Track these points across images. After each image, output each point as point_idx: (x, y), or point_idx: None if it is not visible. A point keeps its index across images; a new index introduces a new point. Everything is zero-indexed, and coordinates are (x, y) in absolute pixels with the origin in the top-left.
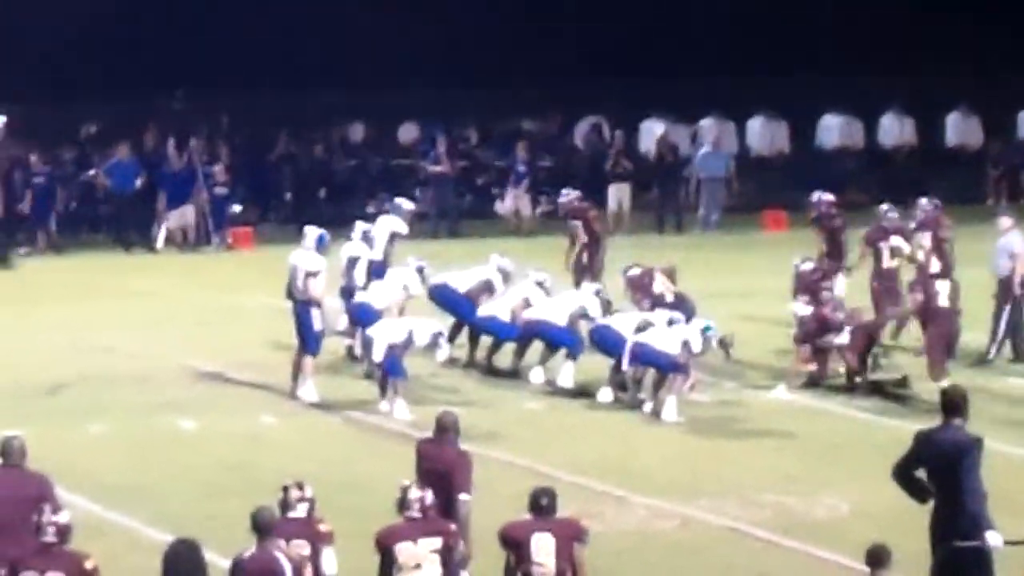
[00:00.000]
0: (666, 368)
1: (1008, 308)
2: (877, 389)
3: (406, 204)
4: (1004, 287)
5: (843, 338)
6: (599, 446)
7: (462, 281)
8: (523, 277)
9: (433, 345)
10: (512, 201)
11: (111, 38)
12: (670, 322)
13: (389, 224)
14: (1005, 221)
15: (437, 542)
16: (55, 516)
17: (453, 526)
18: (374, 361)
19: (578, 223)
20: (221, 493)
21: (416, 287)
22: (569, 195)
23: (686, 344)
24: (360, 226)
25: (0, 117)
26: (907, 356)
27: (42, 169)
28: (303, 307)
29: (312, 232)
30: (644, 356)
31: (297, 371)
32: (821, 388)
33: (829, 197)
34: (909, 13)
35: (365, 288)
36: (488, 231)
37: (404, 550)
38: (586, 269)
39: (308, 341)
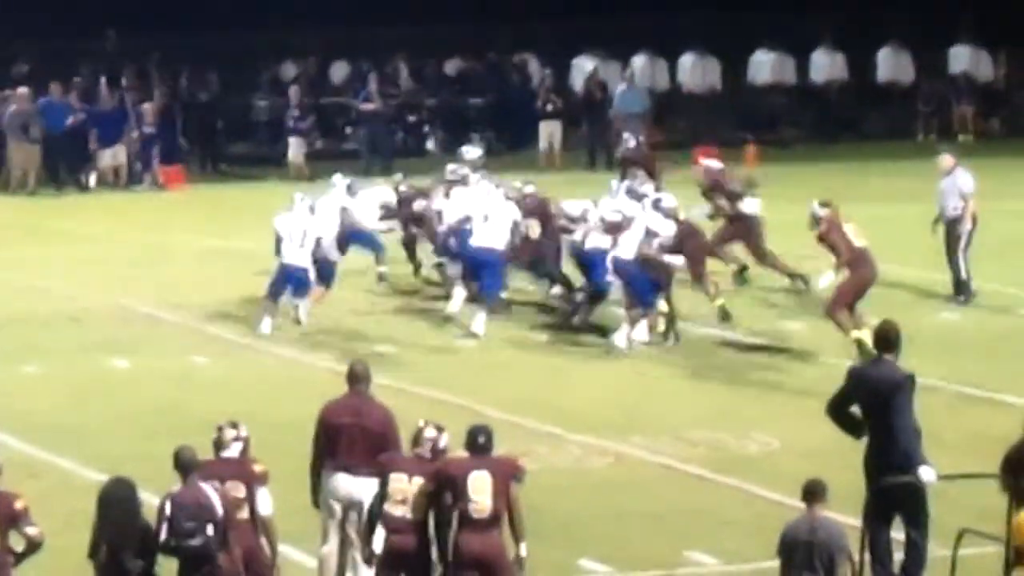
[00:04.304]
0: (639, 295)
1: (964, 246)
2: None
3: None
4: (954, 227)
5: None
6: (533, 384)
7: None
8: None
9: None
10: (295, 148)
11: None
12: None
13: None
14: (947, 159)
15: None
16: None
17: (448, 475)
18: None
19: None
20: (155, 433)
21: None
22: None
23: (649, 232)
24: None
25: None
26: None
27: None
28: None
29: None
30: (624, 272)
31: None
32: (749, 325)
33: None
34: None
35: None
36: (421, 169)
37: (396, 480)
38: None
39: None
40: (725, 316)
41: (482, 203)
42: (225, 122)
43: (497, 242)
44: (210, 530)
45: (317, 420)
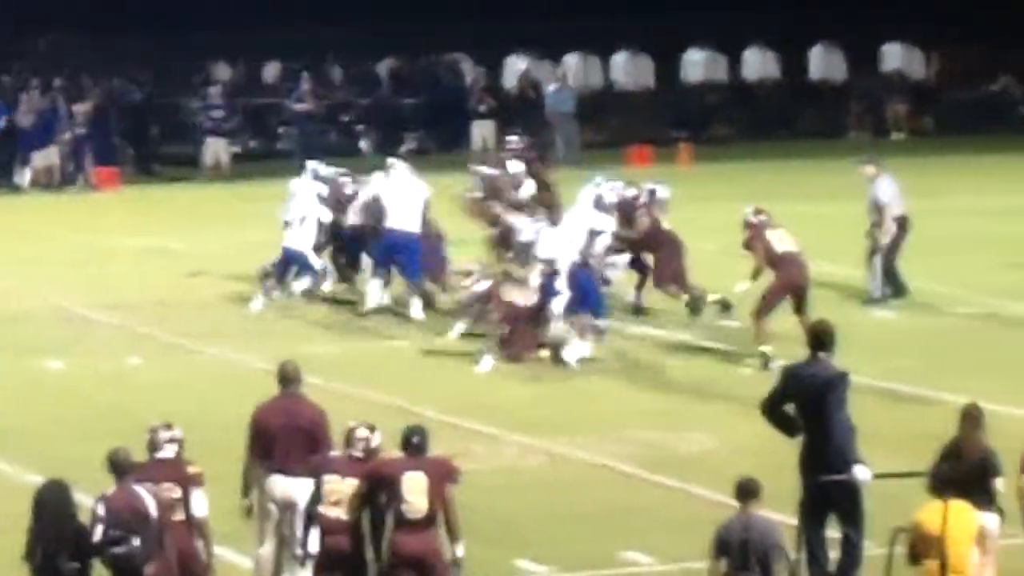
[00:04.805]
0: (589, 303)
1: (889, 253)
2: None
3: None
4: (876, 235)
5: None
6: (468, 384)
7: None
8: None
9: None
10: (211, 149)
11: None
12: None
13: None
14: (867, 169)
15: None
16: None
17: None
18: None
19: None
20: (91, 434)
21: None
22: None
23: (593, 233)
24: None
25: None
26: None
27: None
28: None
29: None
30: (573, 278)
31: None
32: (684, 325)
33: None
34: None
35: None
36: (353, 168)
37: (330, 481)
38: None
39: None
40: (695, 310)
41: (399, 188)
42: (158, 123)
43: (413, 225)
44: (139, 538)
45: (250, 422)
